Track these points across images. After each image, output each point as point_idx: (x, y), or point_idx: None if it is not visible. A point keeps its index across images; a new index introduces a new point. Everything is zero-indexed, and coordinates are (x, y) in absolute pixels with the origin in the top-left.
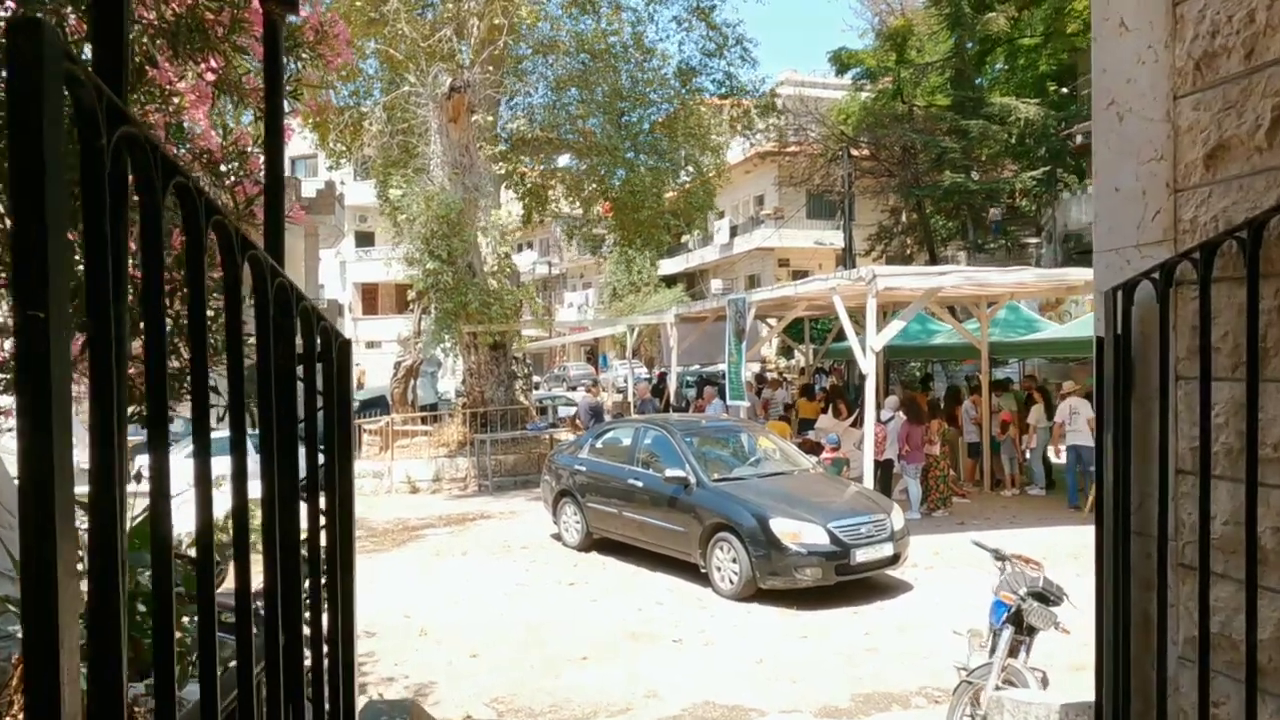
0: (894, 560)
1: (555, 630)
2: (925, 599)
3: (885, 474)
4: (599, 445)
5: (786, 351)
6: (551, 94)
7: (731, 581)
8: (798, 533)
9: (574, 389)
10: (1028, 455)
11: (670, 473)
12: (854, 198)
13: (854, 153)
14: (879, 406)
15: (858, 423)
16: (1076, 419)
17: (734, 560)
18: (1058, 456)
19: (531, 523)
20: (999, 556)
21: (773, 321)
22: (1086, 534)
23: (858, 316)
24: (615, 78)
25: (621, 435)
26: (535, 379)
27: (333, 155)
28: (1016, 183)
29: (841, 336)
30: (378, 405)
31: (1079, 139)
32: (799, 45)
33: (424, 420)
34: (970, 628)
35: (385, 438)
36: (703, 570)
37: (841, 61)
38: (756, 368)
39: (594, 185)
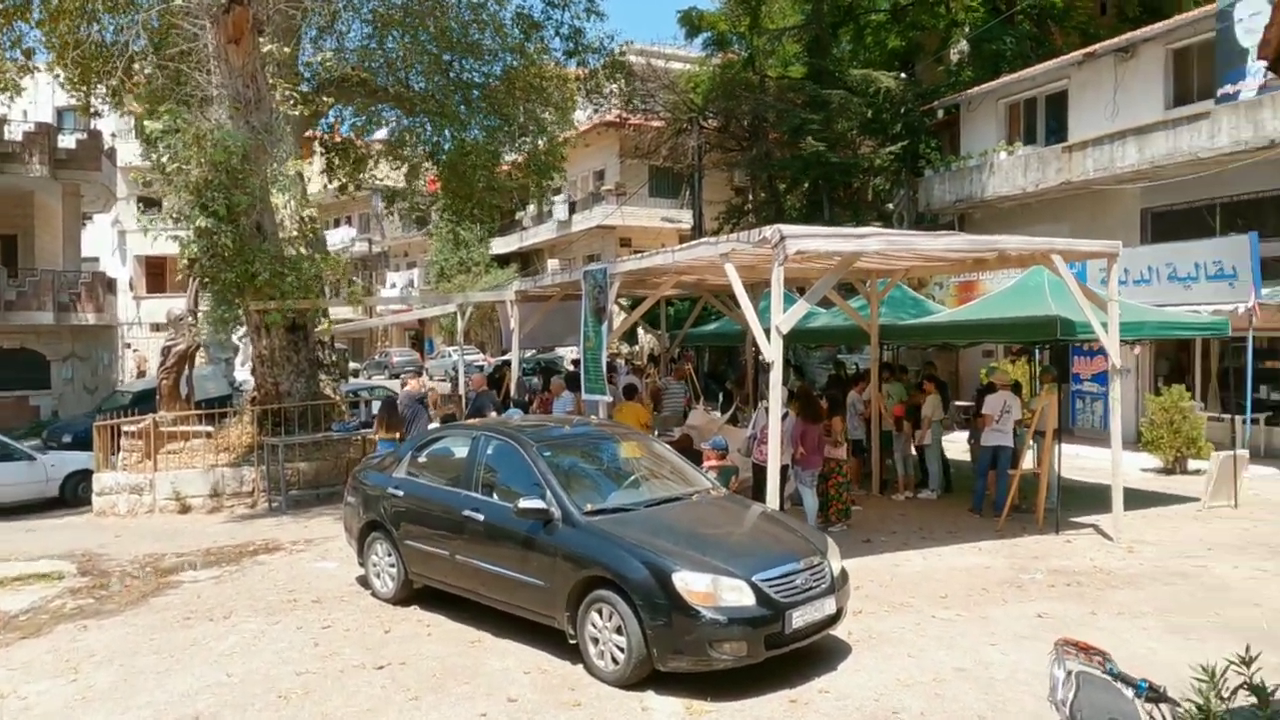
0: (836, 619)
1: None
2: (878, 668)
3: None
4: (423, 460)
5: (630, 336)
6: (369, 31)
7: (615, 660)
8: (712, 592)
9: (398, 377)
10: (914, 452)
11: (525, 503)
12: (703, 173)
13: (703, 124)
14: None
15: (735, 420)
16: (1007, 418)
17: (619, 630)
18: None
19: (335, 557)
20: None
21: (624, 301)
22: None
23: (722, 297)
24: (443, 18)
25: (454, 446)
26: (354, 366)
27: (73, 87)
28: (875, 159)
29: (702, 320)
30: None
31: (940, 114)
32: (646, 10)
33: (203, 419)
34: None
35: (149, 442)
36: (572, 640)
37: (692, 22)
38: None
39: (420, 146)
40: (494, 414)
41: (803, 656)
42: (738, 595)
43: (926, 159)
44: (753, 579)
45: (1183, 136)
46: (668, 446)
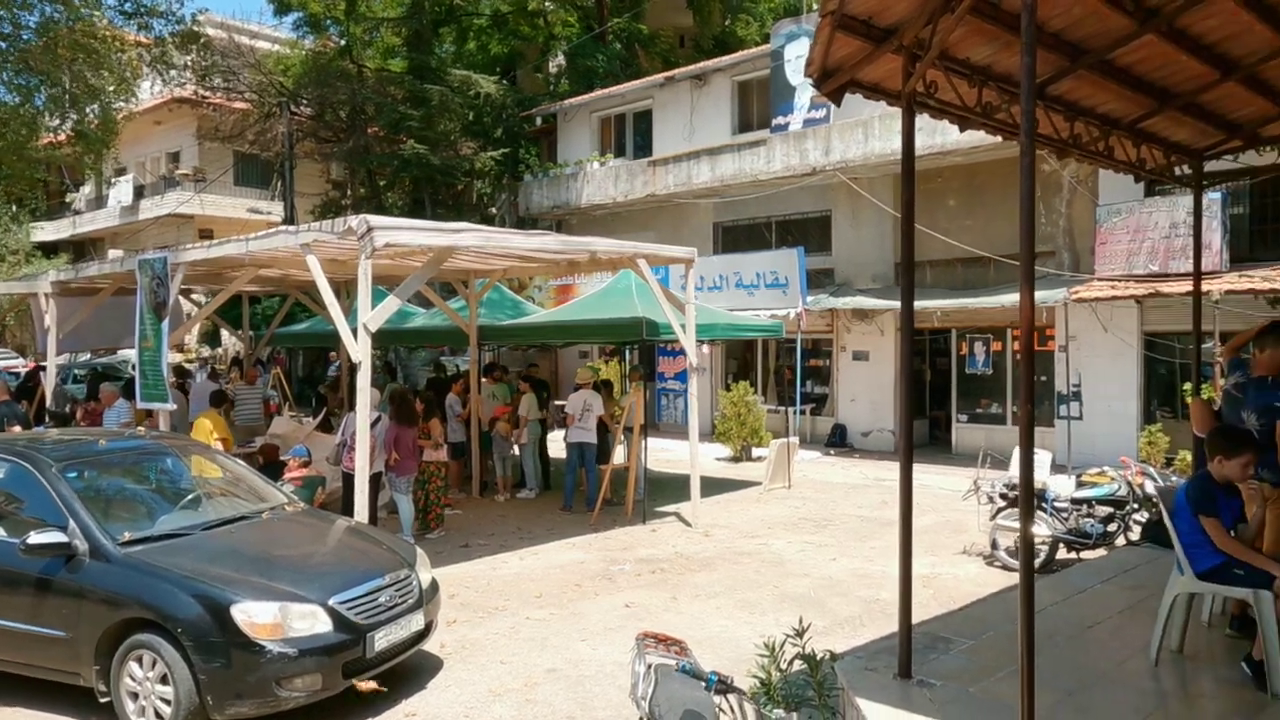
0: (425, 634)
1: None
2: (470, 680)
3: (371, 491)
4: None
5: (211, 338)
6: None
7: (160, 716)
8: (280, 622)
9: None
10: (517, 453)
11: (36, 538)
12: (295, 162)
13: (296, 111)
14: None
15: (328, 426)
16: (588, 416)
17: (164, 680)
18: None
19: None
20: None
21: (202, 298)
22: (609, 545)
23: (313, 294)
24: None
25: None
26: None
27: None
28: (477, 161)
29: (292, 319)
30: None
31: (539, 122)
32: None
33: None
34: None
35: None
36: (104, 699)
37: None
38: (179, 357)
39: None
40: (18, 428)
41: (390, 678)
42: (311, 622)
43: (527, 165)
44: (329, 602)
45: (746, 159)
46: (237, 460)
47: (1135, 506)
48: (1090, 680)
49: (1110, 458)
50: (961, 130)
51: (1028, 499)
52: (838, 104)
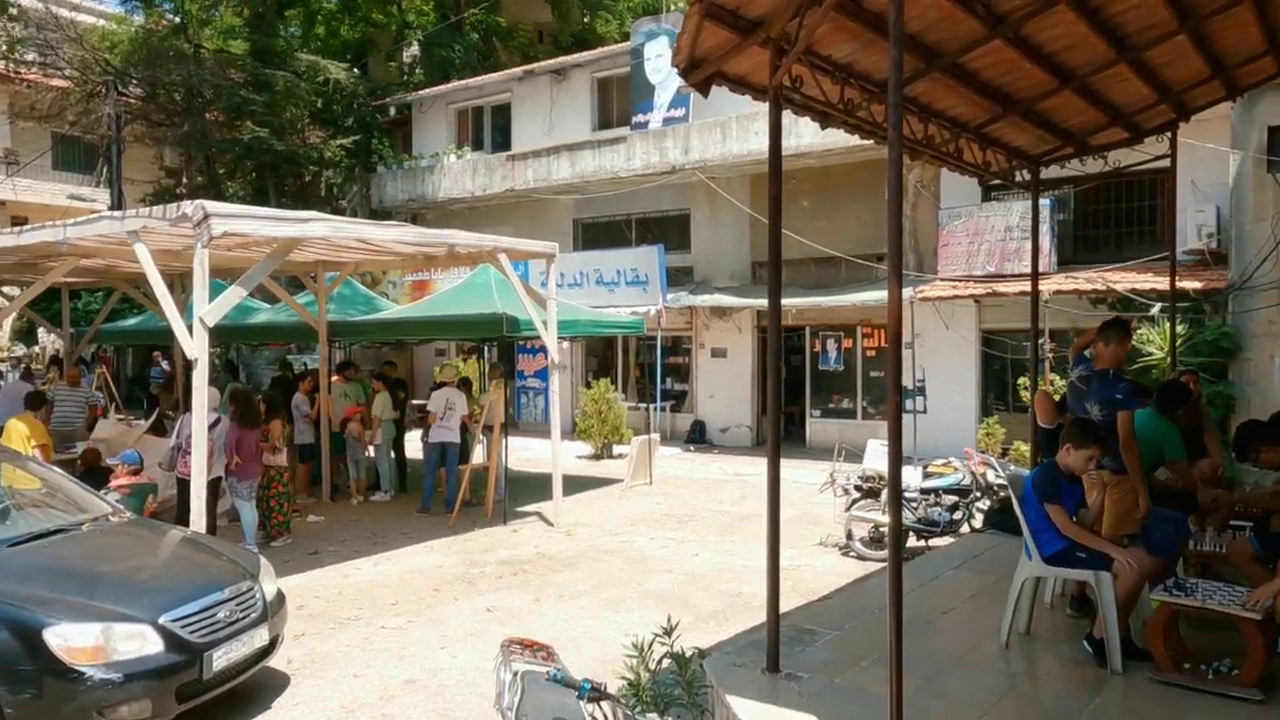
0: (270, 650)
1: None
2: (321, 697)
3: (210, 498)
4: None
5: (27, 336)
6: None
7: None
8: (102, 645)
9: None
10: (371, 454)
11: None
12: (124, 146)
13: (124, 91)
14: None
15: (161, 429)
16: (451, 414)
17: None
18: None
19: None
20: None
21: (12, 290)
22: (469, 547)
23: (143, 287)
24: None
25: None
26: None
27: None
28: (325, 150)
29: (120, 314)
30: None
31: (392, 112)
32: None
33: None
34: None
35: None
36: None
37: None
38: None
39: None
40: None
41: (231, 700)
42: (138, 643)
43: (381, 156)
44: (160, 620)
45: (606, 156)
46: (53, 467)
47: (978, 495)
48: (947, 665)
49: (952, 449)
50: (823, 127)
51: (896, 483)
52: (705, 95)
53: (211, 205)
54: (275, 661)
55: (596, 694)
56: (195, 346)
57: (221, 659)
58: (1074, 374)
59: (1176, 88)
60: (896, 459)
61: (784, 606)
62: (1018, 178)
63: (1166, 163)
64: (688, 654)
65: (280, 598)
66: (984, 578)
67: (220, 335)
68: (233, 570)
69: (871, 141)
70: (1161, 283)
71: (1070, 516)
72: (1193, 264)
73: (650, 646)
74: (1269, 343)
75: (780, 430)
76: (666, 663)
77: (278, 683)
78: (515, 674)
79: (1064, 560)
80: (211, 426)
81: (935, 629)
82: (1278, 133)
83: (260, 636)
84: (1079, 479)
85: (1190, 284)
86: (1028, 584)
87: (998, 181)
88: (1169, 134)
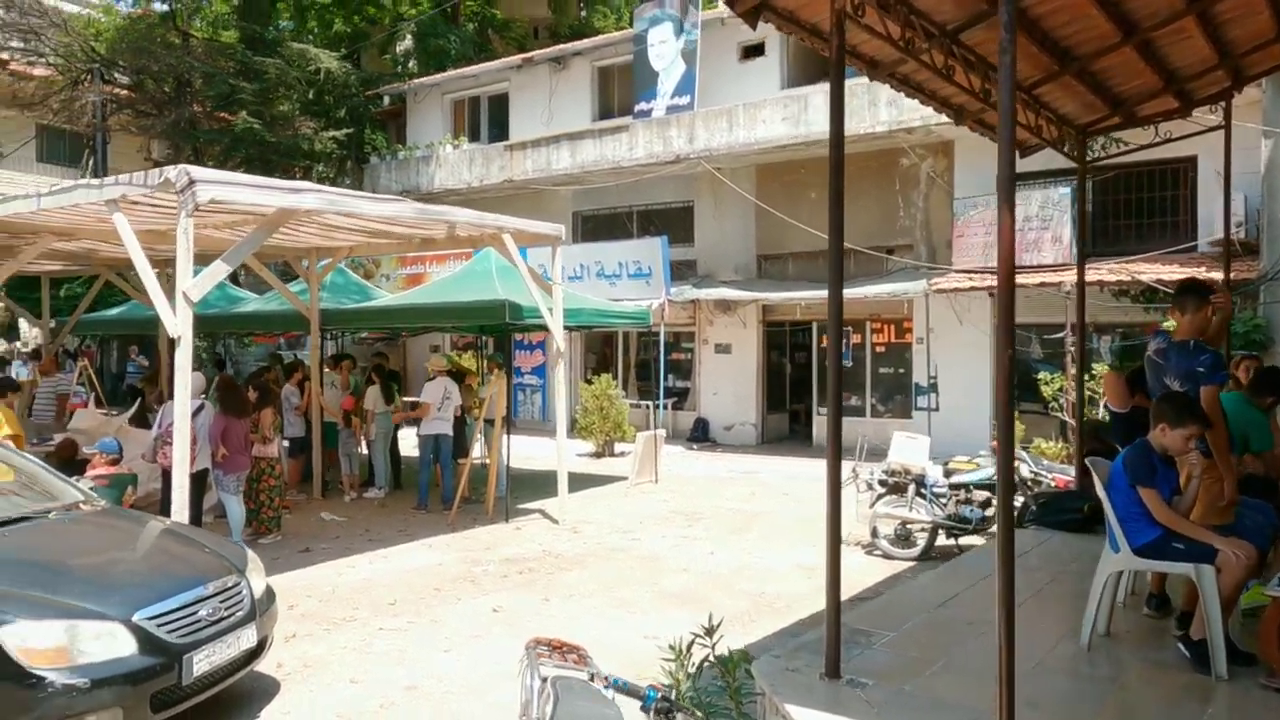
0: (259, 652)
1: None
2: (313, 704)
3: (196, 491)
4: None
5: (10, 330)
6: None
7: None
8: (66, 645)
9: None
10: (365, 449)
11: None
12: (110, 137)
13: (110, 79)
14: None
15: (144, 420)
16: (448, 405)
17: None
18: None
19: None
20: None
21: None
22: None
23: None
24: None
25: None
26: None
27: None
28: (317, 142)
29: (104, 304)
30: None
31: (386, 103)
32: None
33: None
34: None
35: None
36: None
37: None
38: None
39: None
40: None
41: (215, 706)
42: (108, 644)
43: (374, 147)
44: (133, 618)
45: (607, 146)
46: (24, 454)
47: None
48: (1028, 670)
49: (967, 447)
50: (871, 79)
51: (1007, 444)
52: (753, 26)
53: (197, 171)
54: (264, 665)
55: (666, 704)
56: (179, 323)
57: (203, 662)
58: (1151, 347)
59: (1238, 50)
60: (1009, 427)
61: (817, 606)
62: (1066, 149)
63: (1194, 151)
64: (734, 657)
65: (270, 594)
66: (1037, 575)
67: (207, 325)
68: (218, 564)
69: (921, 101)
70: (1187, 274)
71: (1166, 502)
72: (1220, 254)
73: (689, 649)
74: None
75: (840, 420)
76: (705, 667)
77: (266, 689)
78: (545, 680)
79: (1158, 551)
80: (195, 413)
81: None
82: None
83: (247, 637)
84: (1174, 463)
85: (1218, 274)
86: (1112, 579)
87: (1033, 151)
88: (1223, 103)
